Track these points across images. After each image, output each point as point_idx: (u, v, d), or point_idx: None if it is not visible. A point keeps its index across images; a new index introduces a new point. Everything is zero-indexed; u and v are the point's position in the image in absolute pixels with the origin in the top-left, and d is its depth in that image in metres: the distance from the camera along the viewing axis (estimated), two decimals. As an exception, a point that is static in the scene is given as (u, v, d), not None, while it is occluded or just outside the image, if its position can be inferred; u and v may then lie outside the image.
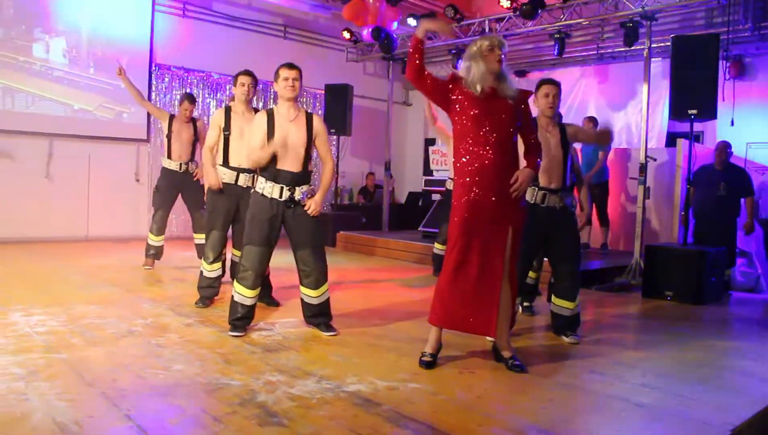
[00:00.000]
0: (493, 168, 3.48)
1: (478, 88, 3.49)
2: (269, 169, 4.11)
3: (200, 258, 5.52)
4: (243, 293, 4.15)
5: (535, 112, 4.05)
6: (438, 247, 6.90)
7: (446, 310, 3.56)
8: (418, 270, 7.67)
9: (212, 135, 4.97)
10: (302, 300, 4.33)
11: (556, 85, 4.42)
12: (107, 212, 9.31)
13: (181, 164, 6.66)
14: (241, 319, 4.18)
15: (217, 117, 5.02)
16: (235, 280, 4.21)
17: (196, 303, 4.98)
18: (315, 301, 4.26)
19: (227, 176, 4.92)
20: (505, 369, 3.60)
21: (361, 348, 4.01)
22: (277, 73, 4.17)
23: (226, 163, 4.94)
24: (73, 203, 9.06)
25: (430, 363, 3.60)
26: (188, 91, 9.93)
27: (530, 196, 4.31)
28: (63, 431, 2.53)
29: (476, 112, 3.49)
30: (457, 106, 3.55)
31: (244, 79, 5.04)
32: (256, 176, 4.32)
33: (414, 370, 3.54)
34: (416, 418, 2.83)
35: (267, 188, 4.10)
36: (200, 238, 6.37)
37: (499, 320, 3.54)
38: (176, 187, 6.73)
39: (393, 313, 5.10)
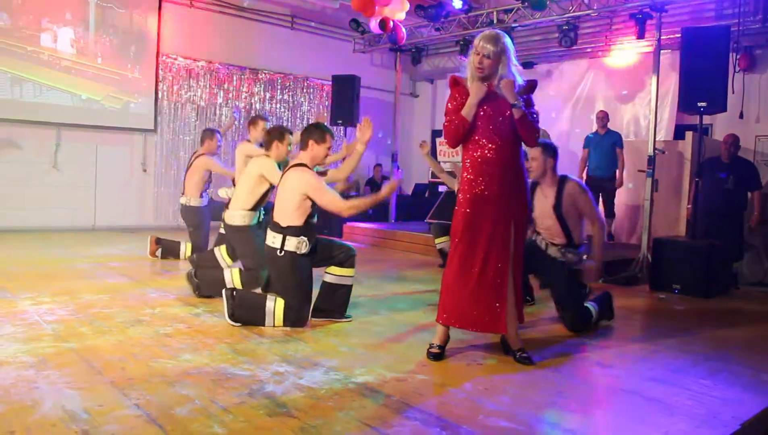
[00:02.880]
0: (497, 163, 3.50)
1: (471, 85, 3.52)
2: (309, 230, 4.18)
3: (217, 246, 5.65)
4: (276, 318, 4.17)
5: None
6: (438, 241, 6.90)
7: (455, 308, 3.56)
8: (425, 261, 7.67)
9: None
10: (339, 286, 4.36)
11: (541, 148, 4.34)
12: (114, 202, 9.34)
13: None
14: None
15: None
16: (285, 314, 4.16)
17: (196, 291, 4.96)
18: (353, 281, 4.41)
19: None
20: (513, 361, 3.60)
21: (369, 339, 4.01)
22: (324, 138, 4.24)
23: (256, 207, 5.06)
24: (81, 193, 9.09)
25: (438, 355, 3.60)
26: (191, 81, 10.00)
27: (539, 241, 4.51)
28: (73, 419, 2.54)
29: (478, 108, 3.50)
30: (462, 104, 3.54)
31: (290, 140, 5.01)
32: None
33: (422, 362, 3.54)
34: (424, 409, 2.84)
35: (303, 247, 4.13)
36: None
37: (507, 313, 3.53)
38: None
39: (400, 304, 5.11)
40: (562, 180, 4.42)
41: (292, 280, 4.15)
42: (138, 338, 3.76)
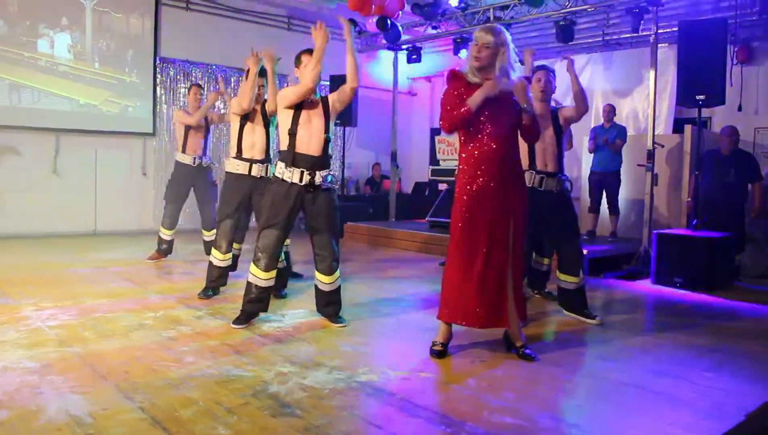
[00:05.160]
0: (495, 156, 3.51)
1: (471, 79, 3.53)
2: (288, 152, 4.13)
3: (208, 254, 5.55)
4: (257, 274, 4.14)
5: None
6: None
7: (457, 304, 3.55)
8: (426, 259, 7.66)
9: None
10: (316, 287, 4.34)
11: (549, 71, 4.62)
12: (115, 206, 9.32)
13: (194, 158, 6.73)
14: (254, 302, 4.18)
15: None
16: (251, 263, 4.19)
17: (199, 294, 4.99)
18: (328, 288, 4.28)
19: (241, 167, 4.99)
20: (517, 357, 3.60)
21: (372, 338, 4.02)
22: (299, 59, 4.34)
23: (239, 154, 5.02)
24: (81, 198, 9.07)
25: (441, 352, 3.60)
26: (193, 82, 9.98)
27: (528, 179, 4.41)
28: (78, 424, 2.54)
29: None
30: (461, 98, 3.52)
31: (262, 82, 5.26)
32: (269, 166, 4.49)
33: (425, 360, 3.54)
34: (428, 407, 2.84)
35: (287, 173, 4.10)
36: (209, 235, 6.47)
37: (509, 308, 3.53)
38: (189, 181, 6.79)
39: (402, 302, 5.11)
40: (553, 108, 4.70)
41: (266, 199, 4.23)
42: (141, 342, 3.76)
